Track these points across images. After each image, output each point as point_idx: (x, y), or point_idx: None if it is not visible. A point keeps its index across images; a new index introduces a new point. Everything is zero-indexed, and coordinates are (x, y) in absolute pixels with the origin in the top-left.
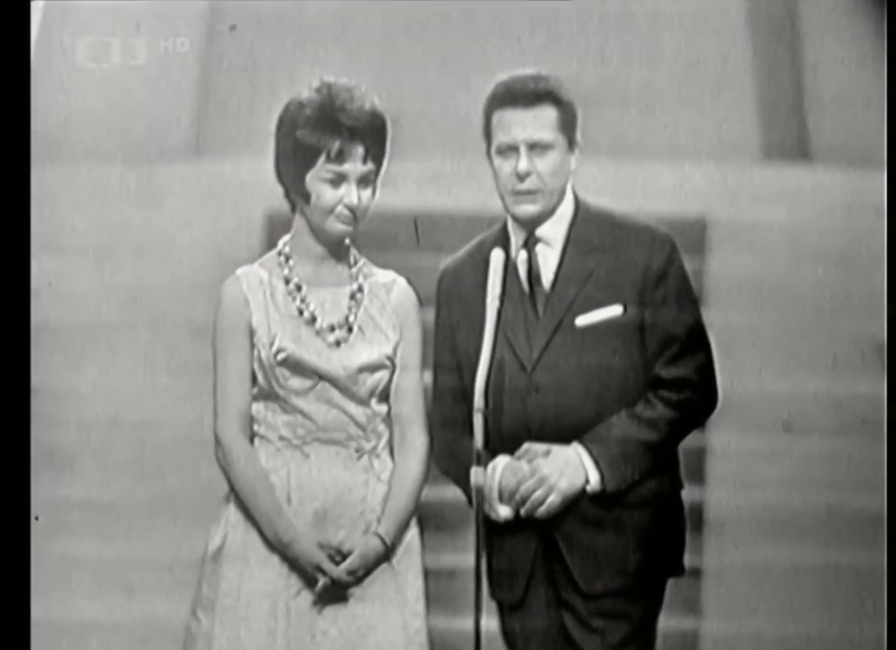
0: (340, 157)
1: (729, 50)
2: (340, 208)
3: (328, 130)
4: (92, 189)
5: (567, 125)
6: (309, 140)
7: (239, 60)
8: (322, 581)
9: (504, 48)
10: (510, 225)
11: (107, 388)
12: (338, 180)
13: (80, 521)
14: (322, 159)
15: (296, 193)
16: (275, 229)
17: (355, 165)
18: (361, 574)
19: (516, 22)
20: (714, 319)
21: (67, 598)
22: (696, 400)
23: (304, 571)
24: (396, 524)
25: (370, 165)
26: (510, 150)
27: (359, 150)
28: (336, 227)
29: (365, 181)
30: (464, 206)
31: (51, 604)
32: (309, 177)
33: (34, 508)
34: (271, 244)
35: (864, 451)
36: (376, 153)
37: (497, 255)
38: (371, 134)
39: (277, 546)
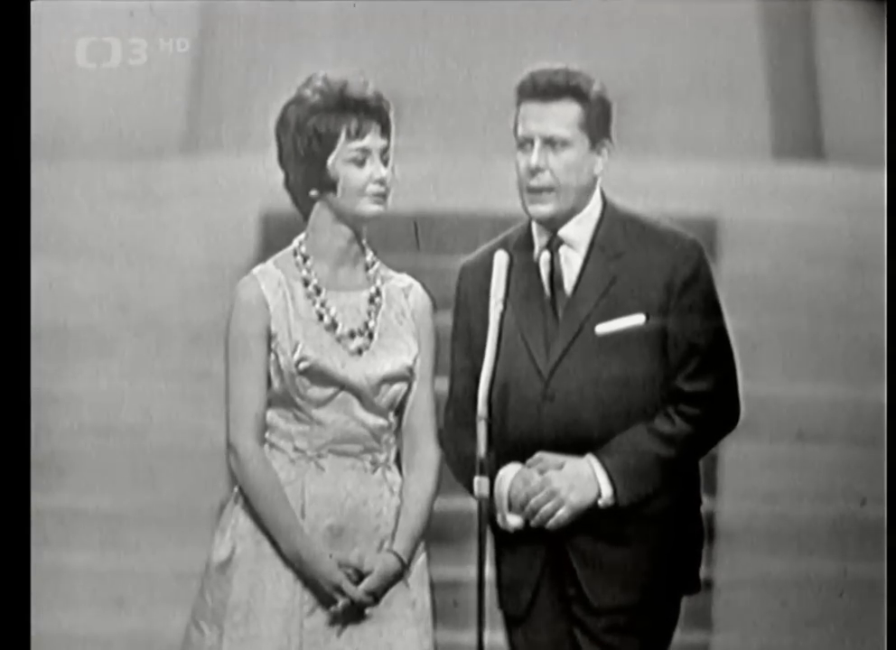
0: (361, 133)
1: (741, 49)
2: (370, 186)
3: (341, 110)
4: (92, 189)
5: (592, 123)
6: (325, 124)
7: (236, 59)
8: (341, 602)
9: (506, 48)
10: (534, 225)
11: (100, 393)
12: (362, 158)
13: (72, 530)
14: (342, 139)
15: (319, 185)
16: (270, 229)
17: (375, 139)
18: (380, 594)
19: (519, 22)
20: (726, 318)
21: (58, 608)
22: (716, 415)
23: (320, 590)
24: (412, 540)
25: (386, 141)
26: (528, 144)
27: (377, 125)
28: (369, 207)
29: (385, 157)
30: (464, 207)
31: (42, 614)
32: (331, 161)
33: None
34: (266, 244)
35: (880, 461)
36: (388, 129)
37: (500, 258)
38: (381, 110)
39: (295, 563)
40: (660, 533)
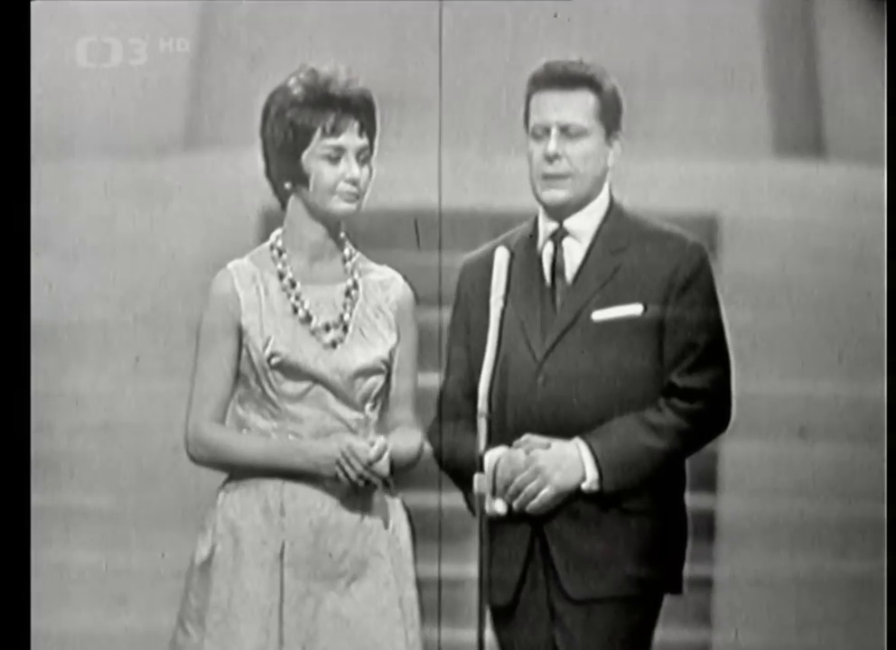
0: (336, 130)
1: (742, 46)
2: (342, 184)
3: (320, 106)
4: (92, 187)
5: (606, 114)
6: (302, 118)
7: (236, 58)
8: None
9: (505, 46)
10: (540, 216)
11: (101, 392)
12: (336, 156)
13: (72, 528)
14: (317, 135)
15: (292, 178)
16: (270, 227)
17: (352, 138)
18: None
19: (517, 20)
20: (725, 319)
21: (58, 608)
22: (708, 413)
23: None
24: (398, 448)
25: (366, 140)
26: (543, 132)
27: (354, 123)
28: (339, 206)
29: (362, 156)
30: (465, 205)
31: (42, 613)
32: (305, 156)
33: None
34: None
35: (882, 459)
36: (370, 128)
37: (501, 255)
38: (363, 108)
39: (306, 465)
40: (642, 528)
